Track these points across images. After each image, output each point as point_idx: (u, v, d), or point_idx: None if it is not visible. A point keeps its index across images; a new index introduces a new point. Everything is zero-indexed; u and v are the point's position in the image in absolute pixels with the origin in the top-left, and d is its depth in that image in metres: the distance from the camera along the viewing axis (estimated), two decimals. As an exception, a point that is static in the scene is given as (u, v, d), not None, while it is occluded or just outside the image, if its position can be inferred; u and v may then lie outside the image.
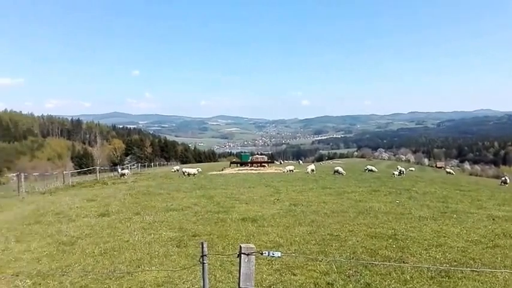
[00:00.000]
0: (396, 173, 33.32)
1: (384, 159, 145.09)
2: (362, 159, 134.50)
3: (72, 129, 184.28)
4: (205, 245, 3.71)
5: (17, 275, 6.44)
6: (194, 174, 33.67)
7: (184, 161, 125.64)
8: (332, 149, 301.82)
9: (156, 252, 7.55)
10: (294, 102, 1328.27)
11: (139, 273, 6.34)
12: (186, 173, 33.51)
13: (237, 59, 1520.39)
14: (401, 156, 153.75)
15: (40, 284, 6.03)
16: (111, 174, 42.93)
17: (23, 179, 22.77)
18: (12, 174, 38.76)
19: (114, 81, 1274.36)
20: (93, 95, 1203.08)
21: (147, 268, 6.57)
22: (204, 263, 3.71)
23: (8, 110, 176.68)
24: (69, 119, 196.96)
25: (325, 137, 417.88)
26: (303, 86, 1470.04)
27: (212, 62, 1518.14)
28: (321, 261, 6.71)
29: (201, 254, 3.70)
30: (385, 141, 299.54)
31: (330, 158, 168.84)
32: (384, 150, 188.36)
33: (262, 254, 3.72)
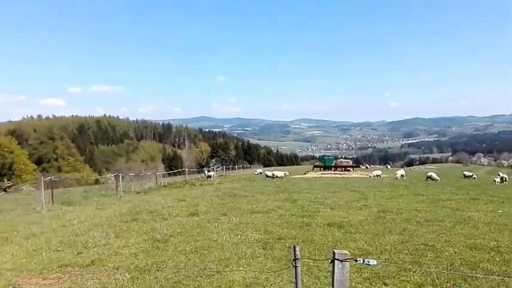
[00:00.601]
0: (498, 179, 30.35)
1: (483, 164, 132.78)
2: (458, 164, 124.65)
3: (163, 132, 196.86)
4: (297, 249, 3.65)
5: (117, 269, 6.89)
6: (281, 177, 34.04)
7: (266, 164, 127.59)
8: (424, 153, 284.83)
9: (243, 253, 7.67)
10: (381, 104, 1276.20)
11: (228, 272, 6.48)
12: (274, 176, 34.01)
13: (319, 61, 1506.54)
14: (503, 161, 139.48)
15: (138, 278, 6.40)
16: (198, 175, 44.89)
17: (120, 179, 24.69)
18: (110, 175, 42.31)
19: (202, 87, 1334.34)
20: (182, 100, 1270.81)
21: (235, 268, 6.70)
22: (296, 266, 3.66)
23: (107, 115, 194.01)
24: (161, 123, 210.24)
25: (416, 141, 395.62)
26: (391, 87, 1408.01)
27: (295, 65, 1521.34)
28: (414, 271, 6.30)
29: (293, 258, 3.66)
30: (484, 145, 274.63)
31: (422, 162, 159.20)
32: (482, 154, 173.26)
33: (356, 260, 3.57)
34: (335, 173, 45.56)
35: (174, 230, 10.07)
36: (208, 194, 18.99)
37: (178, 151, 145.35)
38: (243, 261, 7.17)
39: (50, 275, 6.74)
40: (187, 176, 38.20)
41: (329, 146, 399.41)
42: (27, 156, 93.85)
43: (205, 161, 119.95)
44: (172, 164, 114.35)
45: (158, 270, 6.69)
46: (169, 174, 46.98)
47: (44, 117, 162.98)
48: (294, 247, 3.70)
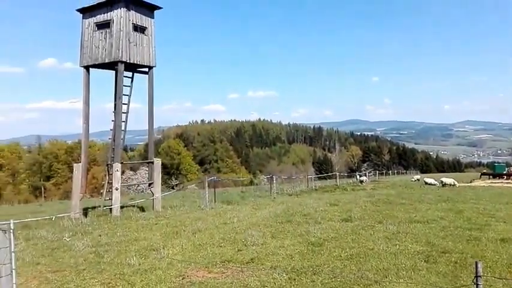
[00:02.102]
0: None
1: None
2: None
3: (313, 136, 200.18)
4: (479, 265, 3.33)
5: (274, 268, 7.18)
6: (451, 184, 31.45)
7: (424, 170, 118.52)
8: None
9: (403, 265, 7.23)
10: None
11: (387, 283, 6.20)
12: (442, 183, 31.73)
13: (484, 59, 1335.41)
14: None
15: (295, 279, 6.58)
16: (349, 180, 44.16)
17: (274, 181, 25.84)
18: (263, 176, 44.56)
19: (354, 89, 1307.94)
20: (333, 102, 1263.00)
21: (395, 280, 6.37)
22: (478, 284, 3.34)
23: (261, 120, 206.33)
24: (311, 126, 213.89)
25: None
26: None
27: (456, 63, 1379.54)
28: None
29: (475, 275, 3.34)
30: None
31: None
32: None
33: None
34: (508, 182, 40.04)
35: (328, 235, 10.05)
36: (361, 200, 18.47)
37: (329, 155, 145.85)
38: (404, 273, 6.77)
39: (214, 269, 7.36)
40: (338, 180, 37.89)
41: (499, 152, 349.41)
42: (192, 158, 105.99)
43: (356, 165, 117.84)
44: (322, 168, 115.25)
45: (314, 274, 6.78)
46: (320, 178, 47.38)
47: (206, 122, 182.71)
48: (476, 263, 3.40)
